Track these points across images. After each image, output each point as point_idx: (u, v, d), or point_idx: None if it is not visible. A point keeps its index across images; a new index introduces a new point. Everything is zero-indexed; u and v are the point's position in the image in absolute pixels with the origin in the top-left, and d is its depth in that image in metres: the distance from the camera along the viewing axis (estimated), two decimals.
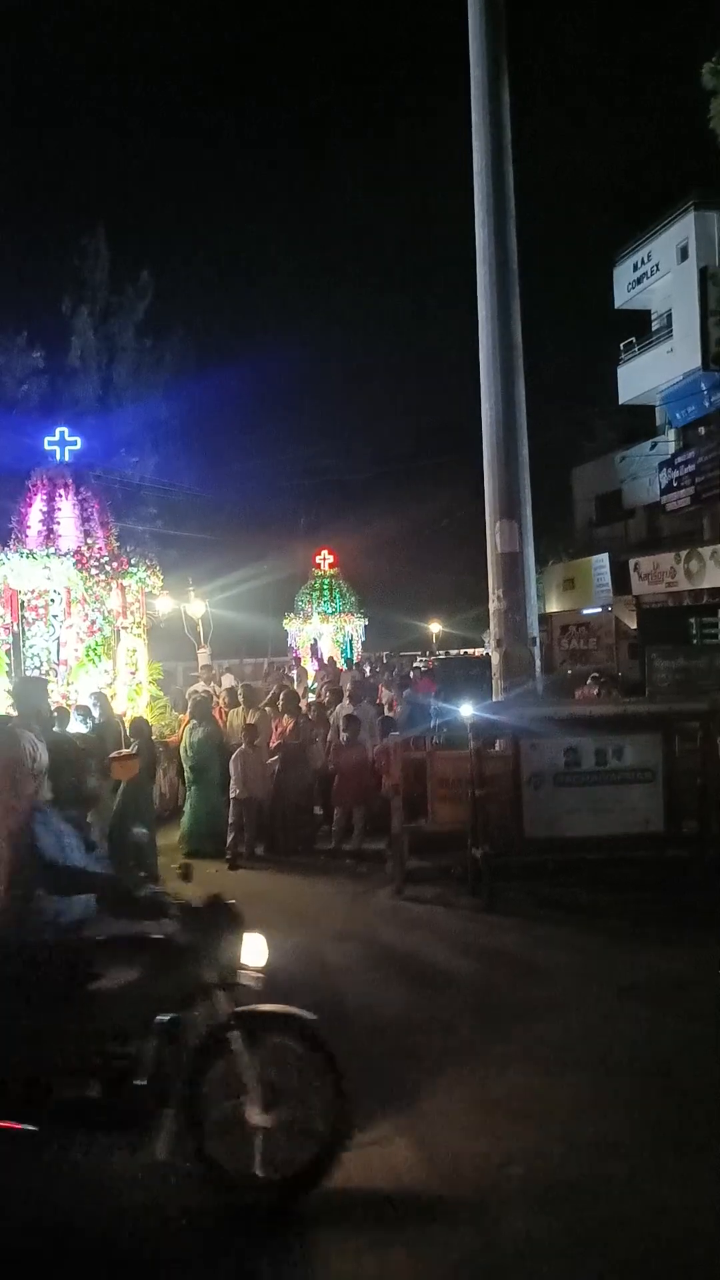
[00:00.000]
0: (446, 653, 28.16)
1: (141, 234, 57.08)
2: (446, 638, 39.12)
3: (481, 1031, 5.66)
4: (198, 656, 22.31)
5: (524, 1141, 4.35)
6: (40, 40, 47.38)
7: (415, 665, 24.29)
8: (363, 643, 26.27)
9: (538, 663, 11.30)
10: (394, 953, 7.33)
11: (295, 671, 20.93)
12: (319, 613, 24.91)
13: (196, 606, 22.93)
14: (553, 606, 28.53)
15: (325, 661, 22.90)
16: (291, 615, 25.34)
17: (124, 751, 9.65)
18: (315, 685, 18.21)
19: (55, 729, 10.01)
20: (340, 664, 22.40)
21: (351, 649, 25.18)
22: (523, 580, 11.09)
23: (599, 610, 26.26)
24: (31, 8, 50.45)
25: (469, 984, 6.50)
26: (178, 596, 20.67)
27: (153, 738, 11.10)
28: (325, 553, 26.42)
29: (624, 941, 7.25)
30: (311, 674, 20.74)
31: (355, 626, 25.47)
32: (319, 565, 26.09)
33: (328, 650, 24.60)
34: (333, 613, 25.01)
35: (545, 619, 22.49)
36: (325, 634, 25.12)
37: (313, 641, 25.05)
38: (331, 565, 26.08)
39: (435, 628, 39.89)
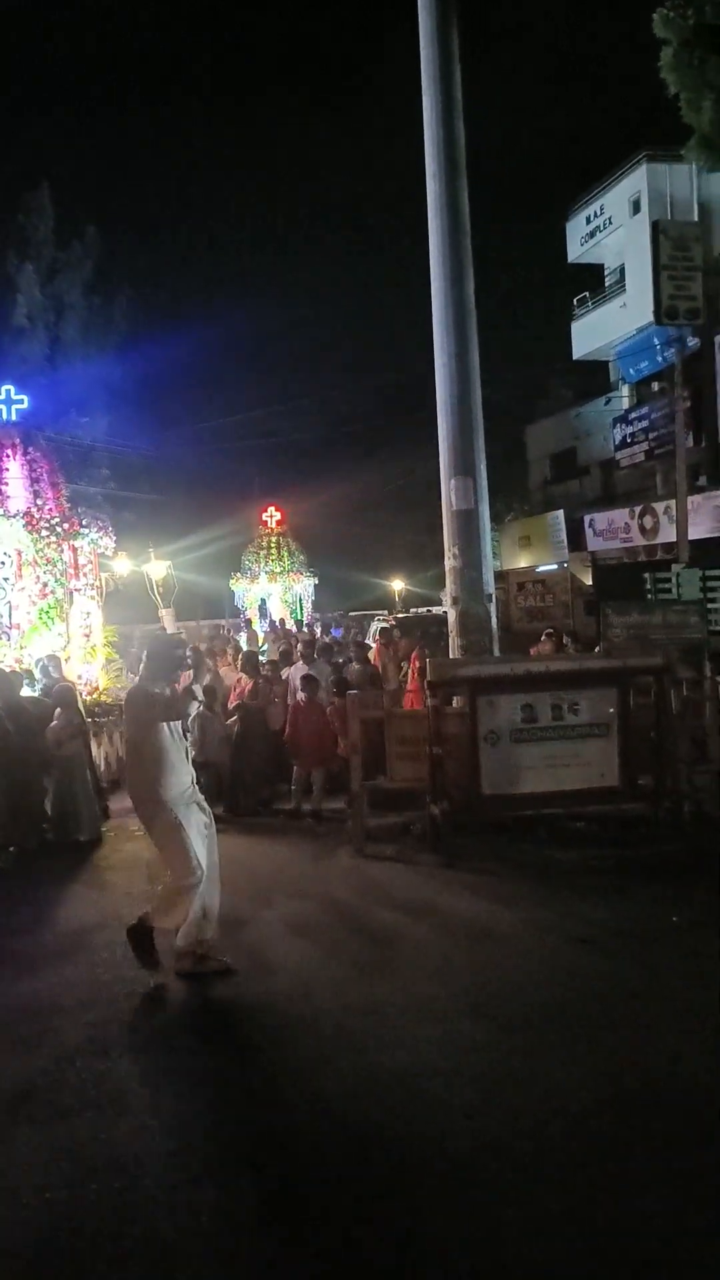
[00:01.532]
0: (407, 610, 28.08)
1: (88, 191, 55.84)
2: (409, 596, 39.06)
3: (430, 983, 5.72)
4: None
5: (468, 1095, 4.42)
6: None
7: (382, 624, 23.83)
8: (313, 602, 26.02)
9: (494, 620, 11.33)
10: (352, 910, 7.37)
11: (244, 634, 20.69)
12: (266, 572, 24.52)
13: (157, 568, 22.59)
14: (509, 564, 28.65)
15: (275, 622, 22.73)
16: (238, 575, 24.94)
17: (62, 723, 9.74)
18: (265, 647, 18.09)
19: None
20: (290, 624, 22.25)
21: (301, 609, 24.91)
22: (478, 538, 11.07)
23: (555, 567, 26.41)
24: None
25: (423, 939, 6.55)
26: (136, 559, 20.43)
27: (79, 704, 10.89)
28: (272, 509, 25.87)
29: (580, 894, 7.35)
30: (261, 636, 20.49)
31: (304, 586, 25.16)
32: (265, 523, 25.56)
33: (276, 610, 24.37)
34: (281, 572, 24.61)
35: (502, 576, 22.55)
36: (274, 594, 24.79)
37: (260, 601, 24.75)
38: (279, 523, 25.53)
39: (398, 585, 39.77)
